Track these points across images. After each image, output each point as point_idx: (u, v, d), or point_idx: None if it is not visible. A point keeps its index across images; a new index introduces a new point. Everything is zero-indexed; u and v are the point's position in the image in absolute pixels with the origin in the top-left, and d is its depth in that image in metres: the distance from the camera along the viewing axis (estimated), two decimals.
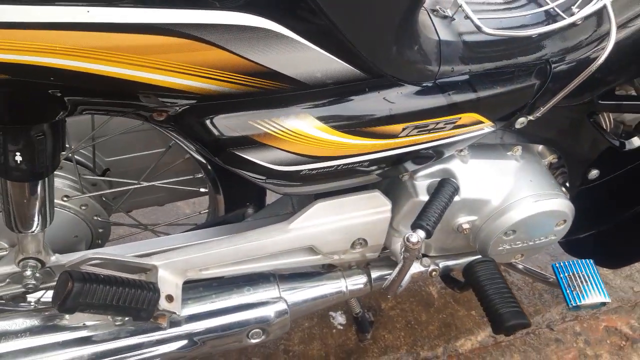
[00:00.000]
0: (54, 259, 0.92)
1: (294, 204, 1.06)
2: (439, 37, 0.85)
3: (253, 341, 0.98)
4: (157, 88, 0.62)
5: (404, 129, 0.82)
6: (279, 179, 0.82)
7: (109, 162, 1.10)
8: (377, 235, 1.01)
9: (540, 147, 1.10)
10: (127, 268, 0.87)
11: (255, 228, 0.97)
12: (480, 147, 1.02)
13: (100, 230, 1.07)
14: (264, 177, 0.81)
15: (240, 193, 1.09)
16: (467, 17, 0.86)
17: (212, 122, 0.72)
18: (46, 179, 0.75)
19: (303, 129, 0.75)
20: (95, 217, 1.04)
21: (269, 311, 0.98)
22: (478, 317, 1.48)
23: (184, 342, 0.93)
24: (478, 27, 0.85)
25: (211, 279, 0.98)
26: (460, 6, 0.87)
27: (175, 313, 0.86)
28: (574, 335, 1.45)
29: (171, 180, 1.08)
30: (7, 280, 0.94)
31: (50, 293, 0.89)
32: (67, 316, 0.90)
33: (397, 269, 0.92)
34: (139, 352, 0.90)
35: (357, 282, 1.09)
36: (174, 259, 0.89)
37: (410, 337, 1.42)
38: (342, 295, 1.08)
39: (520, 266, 1.27)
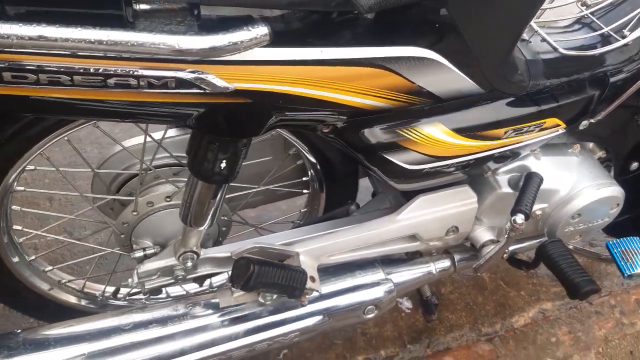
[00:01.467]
0: (203, 253, 1.08)
1: (390, 200, 1.23)
2: (525, 57, 1.04)
3: (368, 316, 1.15)
4: (344, 106, 0.80)
5: (505, 132, 1.01)
6: (404, 177, 1.00)
7: None
8: (467, 223, 1.19)
9: (591, 145, 1.30)
10: (273, 255, 1.04)
11: (364, 221, 1.15)
12: (547, 146, 1.21)
13: (224, 229, 1.23)
14: (395, 175, 0.98)
15: (341, 193, 1.27)
16: (543, 40, 1.06)
17: (367, 132, 0.90)
18: (225, 185, 0.91)
19: (434, 134, 0.93)
20: (222, 217, 1.20)
21: (380, 290, 1.15)
22: (527, 296, 1.67)
23: (316, 318, 1.09)
24: (555, 48, 1.05)
25: (328, 266, 1.16)
26: (537, 31, 1.07)
27: (318, 291, 1.03)
28: (610, 308, 1.66)
29: (284, 183, 1.25)
30: (158, 273, 1.09)
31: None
32: (219, 300, 1.06)
33: (496, 248, 1.11)
34: (284, 327, 1.06)
35: (443, 265, 1.27)
36: (311, 247, 1.06)
37: (471, 316, 1.61)
38: (431, 276, 1.26)
39: (571, 246, 1.47)
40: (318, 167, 1.20)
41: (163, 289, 1.16)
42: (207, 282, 1.33)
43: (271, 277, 0.93)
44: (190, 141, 0.84)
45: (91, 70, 0.61)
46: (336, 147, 1.15)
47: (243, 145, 0.83)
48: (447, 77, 0.85)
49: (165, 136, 1.13)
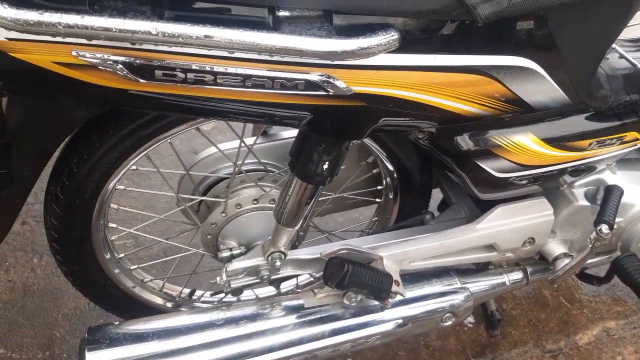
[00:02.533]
0: (289, 253, 1.12)
1: (465, 211, 1.26)
2: (606, 72, 1.07)
3: (445, 324, 1.17)
4: (446, 112, 0.84)
5: (589, 144, 1.03)
6: (490, 185, 1.03)
7: None
8: (543, 235, 1.21)
9: None
10: (358, 257, 1.07)
11: (441, 230, 1.18)
12: (622, 161, 1.23)
13: (301, 234, 1.27)
14: (482, 183, 1.02)
15: (414, 202, 1.30)
16: (621, 57, 1.09)
17: (460, 139, 0.93)
18: (322, 187, 0.96)
19: (524, 142, 0.96)
20: None
21: (457, 298, 1.17)
22: (590, 314, 1.66)
23: (397, 322, 1.12)
24: (634, 65, 1.08)
25: (406, 273, 1.19)
26: (614, 48, 1.10)
27: (402, 295, 1.06)
28: None
29: (359, 191, 1.29)
30: (244, 273, 1.14)
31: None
32: (303, 301, 1.10)
33: (577, 258, 1.12)
34: (366, 329, 1.09)
35: (516, 276, 1.28)
36: (395, 251, 1.09)
37: (534, 332, 1.60)
38: (504, 287, 1.27)
39: None
40: (395, 175, 1.23)
41: (244, 290, 1.21)
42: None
43: (362, 277, 0.97)
44: (296, 142, 0.89)
45: (234, 71, 0.66)
46: (414, 156, 1.20)
47: (346, 148, 0.88)
48: (542, 87, 0.88)
49: (255, 143, 1.19)
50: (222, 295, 1.33)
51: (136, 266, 1.28)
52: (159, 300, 1.35)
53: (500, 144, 0.95)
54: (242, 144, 1.12)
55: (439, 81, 0.78)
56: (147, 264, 1.31)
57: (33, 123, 0.80)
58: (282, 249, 1.08)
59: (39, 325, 1.56)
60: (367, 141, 1.15)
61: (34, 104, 0.79)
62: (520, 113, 0.92)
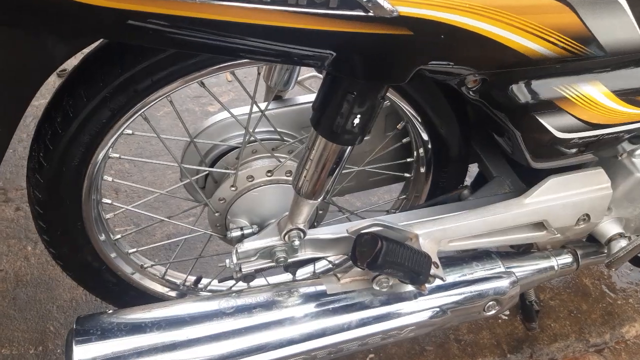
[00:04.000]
0: (308, 232, 0.97)
1: (509, 185, 1.10)
2: None
3: (488, 313, 1.02)
4: (505, 48, 0.68)
5: None
6: (547, 149, 0.88)
7: None
8: (599, 211, 1.05)
9: None
10: (391, 236, 0.92)
11: (480, 207, 1.02)
12: None
13: (320, 212, 1.12)
14: (538, 144, 0.86)
15: (449, 178, 1.14)
16: None
17: (516, 88, 0.78)
18: (350, 149, 0.80)
19: (592, 94, 0.81)
20: None
21: (502, 284, 1.02)
22: (637, 305, 1.50)
23: (434, 311, 0.97)
24: None
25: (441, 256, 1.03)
26: None
27: (442, 279, 0.90)
28: None
29: (386, 164, 1.14)
30: (257, 255, 0.99)
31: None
32: (325, 287, 0.95)
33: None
34: (399, 319, 0.94)
35: (565, 260, 1.13)
36: (433, 229, 0.94)
37: (576, 325, 1.45)
38: (553, 272, 1.12)
39: None
40: (429, 145, 1.08)
41: (256, 276, 1.06)
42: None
43: (399, 257, 0.82)
44: (320, 91, 0.74)
45: None
46: (453, 122, 1.04)
47: (382, 97, 0.73)
48: (620, 24, 0.73)
49: (266, 108, 1.04)
50: (232, 282, 1.18)
51: (135, 250, 1.14)
52: (161, 289, 1.20)
53: (564, 95, 0.79)
54: (255, 107, 0.97)
55: (504, 4, 0.62)
56: (147, 247, 1.16)
57: (5, 61, 0.66)
58: (302, 226, 0.93)
59: (31, 318, 1.42)
60: (399, 103, 0.99)
61: (6, 37, 0.64)
62: (591, 57, 0.77)
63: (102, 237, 1.05)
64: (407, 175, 1.18)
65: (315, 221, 1.13)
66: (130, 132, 0.92)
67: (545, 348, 1.40)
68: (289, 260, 1.00)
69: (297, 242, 0.93)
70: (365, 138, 1.15)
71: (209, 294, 1.21)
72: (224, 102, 1.00)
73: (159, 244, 1.21)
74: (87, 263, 1.06)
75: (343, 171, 1.11)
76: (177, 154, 1.05)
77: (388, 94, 0.98)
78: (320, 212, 1.12)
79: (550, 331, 1.44)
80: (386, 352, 1.38)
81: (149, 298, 1.19)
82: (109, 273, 1.10)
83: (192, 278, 1.25)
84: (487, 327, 1.44)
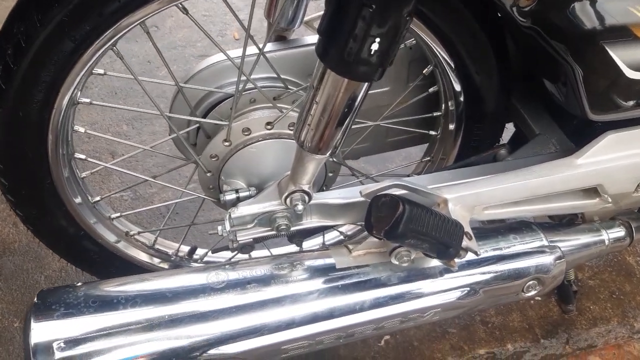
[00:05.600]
0: (314, 196, 0.82)
1: (554, 144, 0.93)
2: None
3: (528, 294, 0.86)
4: None
5: None
6: (611, 93, 0.70)
7: None
8: None
9: None
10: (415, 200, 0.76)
11: (520, 168, 0.86)
12: None
13: (330, 175, 0.97)
14: (601, 88, 0.69)
15: (484, 132, 0.98)
16: None
17: (585, 8, 0.61)
18: (368, 86, 0.64)
19: None
20: (330, 158, 0.94)
21: (546, 259, 0.86)
22: None
23: (463, 290, 0.81)
24: None
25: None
26: None
27: (476, 252, 0.75)
28: None
29: (407, 118, 0.98)
30: (254, 222, 0.84)
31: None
32: (335, 259, 0.80)
33: None
34: (422, 299, 0.79)
35: (617, 234, 0.96)
36: (464, 193, 0.78)
37: (618, 308, 1.29)
38: (603, 248, 0.95)
39: None
40: (462, 97, 0.91)
41: (255, 247, 0.91)
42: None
43: (424, 224, 0.66)
44: (328, 7, 0.57)
45: None
46: (492, 69, 0.87)
47: (408, 15, 0.56)
48: None
49: (266, 50, 0.88)
50: (229, 253, 1.04)
51: (118, 214, 1.00)
52: (150, 259, 1.07)
53: None
54: (252, 48, 0.81)
55: None
56: (133, 211, 1.02)
57: None
58: (306, 188, 0.78)
59: (17, 289, 1.31)
60: (428, 40, 0.82)
61: None
62: None
63: (78, 199, 0.91)
64: (432, 133, 1.02)
65: (324, 185, 0.98)
66: (101, 71, 0.76)
67: (583, 333, 1.24)
68: (292, 228, 0.85)
69: (300, 207, 0.78)
70: (384, 89, 1.03)
71: (201, 265, 1.07)
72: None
73: (144, 208, 1.06)
74: (62, 228, 0.92)
75: (355, 126, 0.97)
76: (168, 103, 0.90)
77: (414, 29, 0.81)
78: (331, 174, 0.96)
79: (589, 314, 1.28)
80: (403, 334, 1.24)
81: (137, 270, 1.05)
82: (89, 240, 0.96)
83: (186, 248, 1.11)
84: (518, 308, 1.28)
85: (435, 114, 0.98)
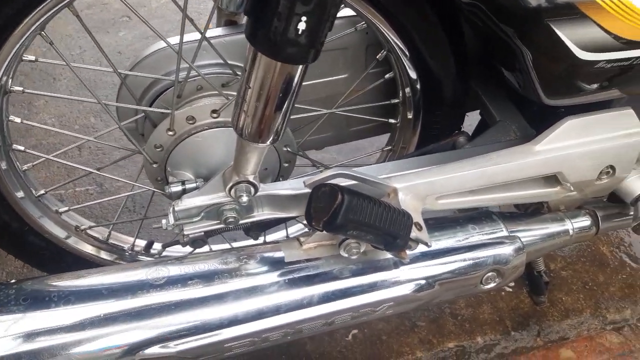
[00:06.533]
0: (262, 187, 0.78)
1: (515, 131, 0.90)
2: None
3: (486, 287, 0.83)
4: None
5: None
6: (564, 76, 0.67)
7: None
8: (627, 163, 0.85)
9: None
10: (362, 190, 0.73)
11: (477, 155, 0.82)
12: None
13: (286, 165, 0.93)
14: (552, 71, 0.65)
15: (444, 120, 0.94)
16: None
17: None
18: (303, 69, 0.60)
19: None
20: (285, 148, 0.90)
21: (505, 251, 0.83)
22: None
23: (418, 283, 0.78)
24: None
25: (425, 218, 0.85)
26: None
27: (427, 244, 0.71)
28: None
29: (362, 106, 0.94)
30: (201, 215, 0.80)
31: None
32: (284, 252, 0.76)
33: None
34: (374, 293, 0.76)
35: (583, 223, 0.93)
36: (416, 182, 0.75)
37: (591, 299, 1.26)
38: (567, 238, 0.92)
39: None
40: (418, 84, 0.88)
41: (208, 241, 0.88)
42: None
43: (366, 214, 0.62)
44: None
45: None
46: (448, 54, 0.84)
47: None
48: None
49: (213, 35, 0.84)
50: (184, 247, 1.00)
51: (67, 208, 0.96)
52: (104, 255, 1.03)
53: None
54: (184, 22, 0.77)
55: None
56: (82, 205, 0.98)
57: None
58: (251, 179, 0.74)
59: None
60: (378, 25, 0.79)
61: None
62: None
63: (20, 193, 0.87)
64: (392, 121, 0.99)
65: (280, 175, 0.95)
66: (32, 57, 0.72)
67: (555, 325, 1.22)
68: (242, 221, 0.82)
69: (244, 199, 0.74)
70: (342, 76, 0.99)
71: (150, 259, 1.04)
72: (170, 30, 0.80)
73: (93, 202, 1.02)
74: (4, 223, 0.88)
75: (310, 114, 0.93)
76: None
77: (362, 11, 0.78)
78: (286, 164, 0.93)
79: (561, 306, 1.25)
80: (372, 328, 1.21)
81: (91, 266, 1.02)
82: (35, 236, 0.93)
83: (142, 242, 1.07)
84: (489, 300, 1.26)
85: (393, 101, 0.95)
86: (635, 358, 1.16)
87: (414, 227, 0.70)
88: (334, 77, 0.97)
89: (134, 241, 1.05)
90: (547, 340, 1.19)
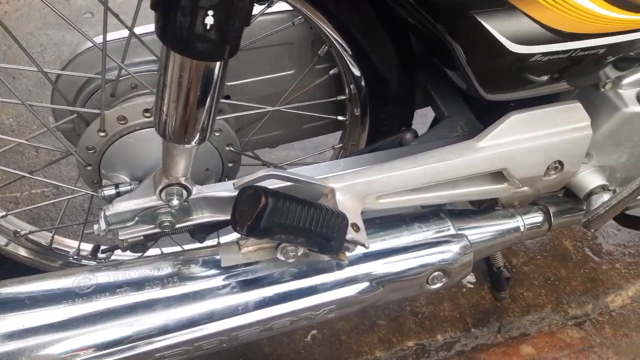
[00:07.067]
0: (196, 190, 0.75)
1: (462, 127, 0.88)
2: None
3: (433, 287, 0.81)
4: None
5: None
6: (499, 71, 0.65)
7: (229, 87, 0.93)
8: (575, 158, 0.84)
9: None
10: (298, 192, 0.70)
11: (428, 151, 0.80)
12: None
13: (230, 165, 0.90)
14: (486, 65, 0.63)
15: (391, 116, 0.92)
16: None
17: None
18: (222, 65, 0.57)
19: None
20: (228, 147, 0.87)
21: (451, 250, 0.81)
22: (623, 270, 1.30)
23: (361, 285, 0.76)
24: None
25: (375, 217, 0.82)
26: None
27: (364, 245, 0.69)
28: None
29: (308, 103, 0.91)
30: (136, 219, 0.77)
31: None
32: (221, 257, 0.74)
33: (629, 190, 0.74)
34: (313, 297, 0.73)
35: (534, 219, 0.91)
36: (353, 181, 0.72)
37: (553, 294, 1.25)
38: (518, 235, 0.90)
39: None
40: (362, 81, 0.85)
41: (149, 245, 0.85)
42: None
43: (293, 218, 0.60)
44: None
45: None
46: (389, 49, 0.81)
47: None
48: None
49: (145, 31, 0.81)
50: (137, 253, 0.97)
51: (4, 213, 0.92)
52: (47, 261, 1.00)
53: None
54: (106, 16, 0.74)
55: None
56: (21, 210, 0.95)
57: None
58: (182, 181, 0.71)
59: None
60: (314, 18, 0.76)
61: None
62: None
63: None
64: (340, 118, 0.96)
65: (225, 176, 0.92)
66: None
67: (515, 321, 1.21)
68: (180, 225, 0.79)
69: (175, 202, 0.71)
70: (289, 72, 0.96)
71: (94, 264, 1.00)
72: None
73: (30, 207, 0.98)
74: None
75: (255, 112, 0.90)
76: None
77: (297, 5, 0.75)
78: (231, 164, 0.90)
79: (522, 301, 1.24)
80: (331, 328, 1.19)
81: (33, 272, 0.98)
82: None
83: (88, 246, 1.04)
84: (450, 297, 1.24)
85: (339, 98, 0.92)
86: (595, 353, 1.16)
87: (350, 228, 0.68)
88: (281, 73, 0.94)
89: (79, 245, 1.02)
90: (508, 336, 1.18)
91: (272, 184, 0.69)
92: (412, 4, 0.59)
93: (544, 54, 0.63)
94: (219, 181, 0.91)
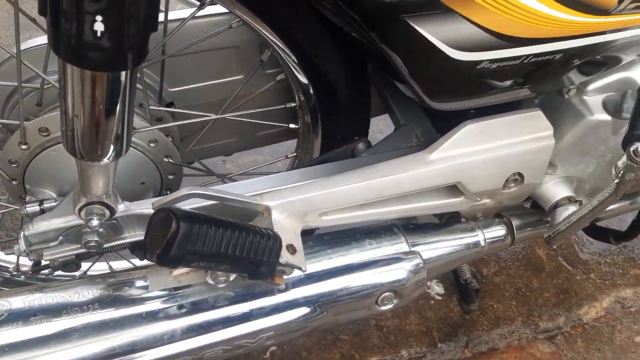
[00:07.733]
0: (123, 207, 0.69)
1: (418, 136, 0.83)
2: None
3: (383, 308, 0.76)
4: None
5: (620, 1, 0.59)
6: (442, 79, 0.59)
7: (172, 93, 0.87)
8: (536, 169, 0.79)
9: None
10: (229, 212, 0.64)
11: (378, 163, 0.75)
12: None
13: (171, 177, 0.84)
14: (427, 73, 0.58)
15: (345, 125, 0.87)
16: None
17: None
18: (129, 74, 0.51)
19: None
20: (166, 159, 0.81)
21: (402, 269, 0.75)
22: (598, 280, 1.26)
23: (303, 310, 0.70)
24: None
25: (320, 234, 0.77)
26: None
27: (300, 268, 0.63)
28: None
29: (255, 110, 0.85)
30: (60, 239, 0.71)
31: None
32: (148, 281, 0.68)
33: (594, 203, 0.69)
34: (249, 323, 0.67)
35: (496, 233, 0.86)
36: (291, 199, 0.66)
37: (524, 306, 1.20)
38: (478, 250, 0.85)
39: None
40: (311, 89, 0.79)
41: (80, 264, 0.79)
42: None
43: (212, 244, 0.54)
44: None
45: None
46: (335, 55, 0.75)
47: None
48: None
49: None
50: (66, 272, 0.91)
51: None
52: None
53: None
54: (18, 17, 0.67)
55: None
56: None
57: None
58: (103, 199, 0.65)
59: None
60: (252, 23, 0.70)
61: None
62: None
63: None
64: (292, 126, 0.90)
65: (165, 189, 0.86)
66: None
67: (484, 335, 1.16)
68: (110, 244, 0.73)
69: (95, 222, 0.65)
70: (237, 77, 0.90)
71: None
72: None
73: None
74: None
75: (198, 120, 0.84)
76: None
77: (231, 9, 0.69)
78: (171, 176, 0.84)
79: (492, 314, 1.19)
80: (291, 344, 1.13)
81: None
82: None
83: (28, 262, 0.98)
84: (416, 310, 1.19)
85: (289, 105, 0.86)
86: None
87: (285, 250, 0.62)
88: (229, 79, 0.88)
89: (17, 261, 0.96)
90: (476, 351, 1.13)
91: (198, 203, 0.64)
92: (344, 10, 0.54)
93: (492, 61, 0.58)
94: (160, 195, 0.86)
